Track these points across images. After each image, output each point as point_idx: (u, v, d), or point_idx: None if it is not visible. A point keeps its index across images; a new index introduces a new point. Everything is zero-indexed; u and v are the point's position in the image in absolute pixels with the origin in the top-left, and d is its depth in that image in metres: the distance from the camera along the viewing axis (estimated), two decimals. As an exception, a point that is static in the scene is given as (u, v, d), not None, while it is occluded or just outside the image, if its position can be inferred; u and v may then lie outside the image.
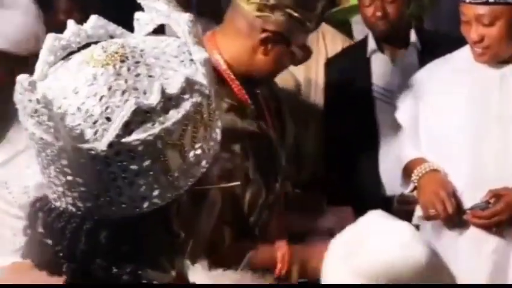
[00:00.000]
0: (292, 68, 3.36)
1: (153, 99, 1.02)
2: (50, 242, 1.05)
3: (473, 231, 2.69)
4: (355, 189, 3.17)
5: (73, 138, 1.01)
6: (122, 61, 1.06)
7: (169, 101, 1.03)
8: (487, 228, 2.66)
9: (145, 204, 1.04)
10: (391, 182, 3.14)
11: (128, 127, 1.01)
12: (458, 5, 2.66)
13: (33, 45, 2.11)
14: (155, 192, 1.04)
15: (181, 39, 1.11)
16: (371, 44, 3.29)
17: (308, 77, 3.43)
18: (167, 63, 1.08)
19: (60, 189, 1.05)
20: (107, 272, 1.03)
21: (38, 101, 1.00)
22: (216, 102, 1.10)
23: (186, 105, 1.04)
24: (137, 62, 1.06)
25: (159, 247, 1.06)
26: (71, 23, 1.13)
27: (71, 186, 1.04)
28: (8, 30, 2.12)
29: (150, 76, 1.05)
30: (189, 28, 1.09)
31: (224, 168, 1.54)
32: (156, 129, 1.02)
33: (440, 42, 3.15)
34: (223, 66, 2.10)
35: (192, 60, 1.09)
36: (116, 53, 1.07)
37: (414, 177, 2.76)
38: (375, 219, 1.44)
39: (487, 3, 2.57)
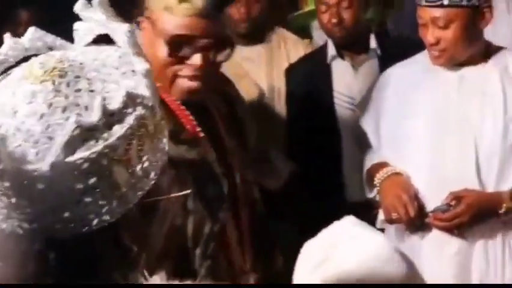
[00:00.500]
0: (255, 76, 3.39)
1: (94, 116, 1.01)
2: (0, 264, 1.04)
3: (435, 234, 2.71)
4: (319, 195, 3.18)
5: (14, 159, 0.99)
6: (61, 76, 1.04)
7: (111, 117, 1.02)
8: (449, 230, 2.68)
9: (94, 222, 1.03)
10: (354, 187, 3.16)
11: (70, 146, 1.00)
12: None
13: None
14: (104, 209, 1.03)
15: (123, 49, 1.09)
16: (331, 50, 3.30)
17: (271, 84, 3.43)
18: (109, 76, 1.06)
19: (5, 211, 1.03)
20: None
21: None
22: (161, 112, 1.09)
23: (130, 120, 1.03)
24: (78, 77, 1.04)
25: (111, 263, 1.05)
26: (7, 37, 1.12)
27: (16, 208, 1.02)
28: None
29: (91, 91, 1.04)
30: (128, 39, 1.08)
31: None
32: (100, 146, 1.01)
33: (402, 46, 3.15)
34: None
35: (133, 71, 1.07)
36: (55, 68, 1.05)
37: (376, 180, 2.78)
38: (349, 226, 1.41)
39: (441, 6, 2.60)
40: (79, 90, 1.03)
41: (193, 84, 1.98)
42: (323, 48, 3.35)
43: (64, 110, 1.02)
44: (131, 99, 1.03)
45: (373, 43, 3.26)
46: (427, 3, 2.62)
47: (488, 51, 2.73)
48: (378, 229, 1.81)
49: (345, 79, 3.28)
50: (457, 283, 2.68)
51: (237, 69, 3.05)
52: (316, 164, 3.24)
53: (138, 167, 1.05)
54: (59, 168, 0.99)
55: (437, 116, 2.71)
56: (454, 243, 2.69)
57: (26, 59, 1.10)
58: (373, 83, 2.98)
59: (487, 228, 2.69)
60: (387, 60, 3.12)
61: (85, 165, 1.00)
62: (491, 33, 2.79)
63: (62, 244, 1.02)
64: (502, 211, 2.65)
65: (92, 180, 1.01)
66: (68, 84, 1.03)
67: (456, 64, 2.71)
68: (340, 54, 3.30)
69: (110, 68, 1.07)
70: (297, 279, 1.40)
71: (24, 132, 1.01)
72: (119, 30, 1.09)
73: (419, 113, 2.73)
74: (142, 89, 1.05)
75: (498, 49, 2.76)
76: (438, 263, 2.65)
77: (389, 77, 2.88)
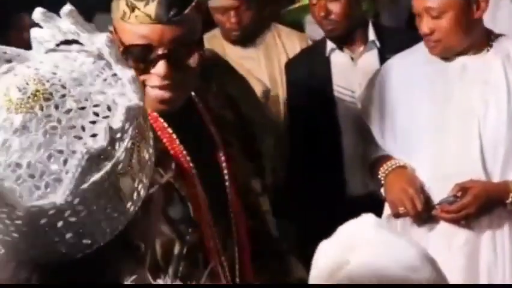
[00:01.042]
0: (257, 73, 3.37)
1: (101, 140, 0.96)
2: None
3: (442, 226, 2.69)
4: (320, 189, 3.16)
5: (21, 197, 0.93)
6: (47, 99, 0.97)
7: (114, 134, 0.98)
8: (456, 222, 2.66)
9: (107, 237, 1.01)
10: (356, 181, 3.14)
11: (83, 175, 0.95)
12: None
13: None
14: (115, 222, 1.00)
15: (91, 52, 1.04)
16: (330, 43, 3.27)
17: (274, 78, 3.43)
18: (93, 87, 1.01)
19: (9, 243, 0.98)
20: None
21: None
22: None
23: (130, 132, 0.99)
24: (63, 96, 0.98)
25: (123, 266, 1.03)
26: None
27: (24, 241, 0.98)
28: None
29: (81, 108, 0.98)
30: (109, 49, 1.02)
31: None
32: (108, 165, 0.96)
33: (400, 38, 3.13)
34: None
35: (114, 75, 1.03)
36: (38, 91, 0.98)
37: (381, 174, 2.75)
38: (368, 227, 1.34)
39: None
40: (69, 111, 0.97)
41: (162, 94, 1.88)
42: (322, 41, 3.32)
43: (61, 135, 0.96)
44: (130, 113, 0.99)
45: (371, 35, 3.23)
46: None
47: (489, 40, 2.71)
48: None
49: (344, 72, 3.26)
50: (466, 275, 2.66)
51: (239, 69, 3.02)
52: (317, 160, 3.21)
53: (140, 175, 1.02)
54: (73, 197, 0.95)
55: (440, 107, 2.68)
56: (461, 234, 2.67)
57: None
58: (374, 75, 2.94)
59: (494, 218, 2.68)
60: (386, 52, 3.10)
61: (96, 187, 0.96)
62: (491, 21, 2.77)
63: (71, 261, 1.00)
64: (509, 201, 2.64)
65: (103, 200, 0.97)
66: (56, 107, 0.97)
67: (457, 53, 2.68)
68: (339, 47, 3.26)
69: (90, 77, 1.02)
70: (313, 280, 1.34)
71: (25, 167, 0.95)
72: (96, 40, 1.04)
73: (421, 104, 2.71)
74: (131, 95, 1.01)
75: (499, 37, 2.74)
76: (447, 255, 2.62)
77: (390, 69, 2.85)
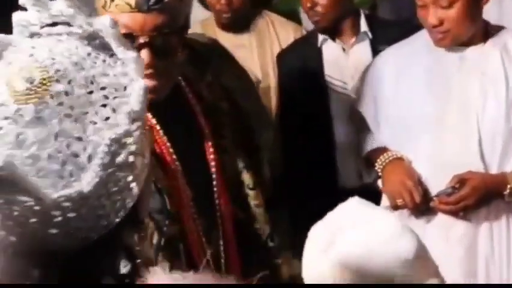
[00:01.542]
0: (249, 63, 3.35)
1: (124, 124, 0.95)
2: None
3: (440, 218, 2.68)
4: (312, 182, 3.15)
5: (45, 189, 0.92)
6: (56, 87, 0.96)
7: (135, 116, 0.97)
8: (454, 213, 2.65)
9: (120, 216, 1.00)
10: (348, 173, 3.14)
11: (110, 160, 0.94)
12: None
13: None
14: (128, 200, 1.00)
15: (81, 34, 1.02)
16: (320, 35, 3.26)
17: (266, 69, 3.42)
18: (94, 70, 0.99)
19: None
20: None
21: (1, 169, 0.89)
22: None
23: (144, 112, 1.00)
24: (70, 82, 0.97)
25: (133, 242, 1.03)
26: None
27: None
28: None
29: (90, 93, 0.97)
30: (113, 31, 1.01)
31: None
32: (129, 148, 0.96)
33: (394, 30, 3.12)
34: None
35: (111, 55, 1.01)
36: (44, 79, 0.96)
37: (377, 166, 2.74)
38: (354, 207, 1.38)
39: None
40: (79, 97, 0.96)
41: (150, 83, 1.80)
42: (314, 32, 3.31)
43: (76, 122, 0.95)
44: (146, 94, 0.99)
45: (364, 26, 3.22)
46: None
47: (486, 31, 2.70)
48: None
49: (335, 63, 3.25)
50: (464, 267, 2.65)
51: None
52: (309, 150, 3.20)
53: (146, 152, 1.02)
54: (98, 183, 0.94)
55: (438, 98, 2.67)
56: (459, 225, 2.67)
57: None
58: (369, 65, 2.93)
59: (491, 210, 2.67)
60: (378, 43, 3.10)
61: (117, 170, 0.96)
62: (497, 13, 2.75)
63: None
64: (506, 192, 2.63)
65: (122, 181, 0.97)
66: (66, 94, 0.95)
67: (456, 44, 2.66)
68: (331, 37, 3.25)
69: (89, 60, 1.00)
70: (305, 263, 1.38)
71: (44, 159, 0.93)
72: (96, 21, 1.02)
73: (419, 95, 2.69)
74: (134, 75, 1.01)
75: (497, 28, 2.73)
76: (445, 247, 2.62)
77: (386, 59, 2.83)
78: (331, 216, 1.38)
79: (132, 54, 1.01)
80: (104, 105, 0.97)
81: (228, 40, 3.36)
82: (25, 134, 0.93)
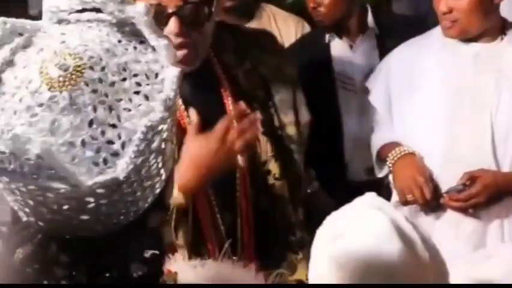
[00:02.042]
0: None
1: (159, 111, 0.96)
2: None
3: (450, 215, 2.68)
4: (320, 176, 3.15)
5: (80, 175, 0.92)
6: (90, 74, 0.96)
7: (169, 103, 0.98)
8: (464, 210, 2.65)
9: (149, 202, 1.02)
10: (356, 167, 3.14)
11: (145, 147, 0.95)
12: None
13: None
14: (156, 186, 1.01)
15: (110, 20, 1.02)
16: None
17: None
18: (126, 57, 0.99)
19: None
20: None
21: (38, 157, 0.90)
22: None
23: (176, 98, 1.00)
24: (103, 69, 0.97)
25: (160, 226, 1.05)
26: None
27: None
28: None
29: (123, 80, 0.97)
30: (146, 18, 1.01)
31: None
32: (162, 134, 0.97)
33: (403, 26, 3.12)
34: None
35: (141, 42, 1.01)
36: (78, 66, 0.96)
37: (389, 161, 2.74)
38: (362, 203, 1.40)
39: None
40: (113, 84, 0.96)
41: (179, 53, 1.88)
42: (322, 28, 3.30)
43: (110, 109, 0.95)
44: (179, 81, 1.00)
45: (371, 23, 3.21)
46: None
47: (503, 28, 2.70)
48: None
49: (342, 58, 3.24)
50: (472, 264, 2.65)
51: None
52: (317, 145, 3.20)
53: (174, 141, 1.03)
54: (133, 170, 0.95)
55: (452, 94, 2.67)
56: (468, 223, 2.67)
57: None
58: (384, 60, 2.93)
59: (502, 208, 2.67)
60: (386, 39, 3.09)
61: (150, 157, 0.97)
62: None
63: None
64: (518, 190, 2.62)
65: (154, 168, 0.98)
66: (100, 81, 0.95)
67: (471, 40, 2.67)
68: (338, 35, 3.25)
69: (121, 47, 1.00)
70: (313, 250, 1.39)
71: (79, 146, 0.93)
72: (129, 8, 1.02)
73: (433, 91, 2.70)
74: (164, 62, 1.01)
75: (514, 25, 2.72)
76: (454, 243, 2.62)
77: (400, 54, 2.83)
78: (344, 209, 1.40)
79: (163, 41, 1.02)
80: (137, 92, 0.97)
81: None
82: (60, 121, 0.93)
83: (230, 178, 2.02)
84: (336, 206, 1.46)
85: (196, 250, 1.92)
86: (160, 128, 0.96)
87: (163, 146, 0.98)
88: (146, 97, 0.98)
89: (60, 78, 0.95)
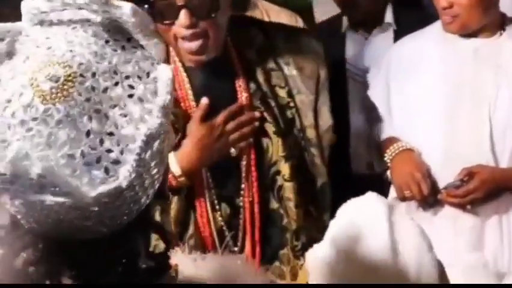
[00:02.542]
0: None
1: (157, 118, 0.95)
2: None
3: (447, 210, 2.67)
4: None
5: (84, 187, 0.91)
6: (81, 82, 0.93)
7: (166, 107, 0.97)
8: (462, 206, 2.64)
9: (151, 194, 1.01)
10: (360, 159, 3.14)
11: (144, 156, 0.95)
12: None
13: None
14: (156, 182, 1.01)
15: (94, 20, 0.99)
16: (345, 20, 3.25)
17: None
18: (115, 58, 0.97)
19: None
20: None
21: (40, 176, 0.89)
22: None
23: (170, 99, 0.99)
24: (94, 75, 0.94)
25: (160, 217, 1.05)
26: None
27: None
28: None
29: (115, 84, 0.95)
30: (134, 19, 0.99)
31: None
32: (161, 136, 0.96)
33: (420, 19, 3.10)
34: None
35: (128, 40, 0.99)
36: (69, 76, 0.93)
37: (387, 156, 2.73)
38: (365, 198, 1.42)
39: None
40: (106, 90, 0.94)
41: (193, 44, 1.95)
42: (338, 19, 3.29)
43: (107, 117, 0.93)
44: (172, 83, 0.99)
45: (389, 17, 3.20)
46: None
47: (502, 23, 2.68)
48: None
49: (357, 51, 3.23)
50: (470, 260, 2.65)
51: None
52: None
53: (173, 136, 1.04)
54: (133, 177, 0.94)
55: (452, 89, 2.65)
56: (466, 218, 2.65)
57: None
58: (383, 54, 2.92)
59: (500, 204, 2.65)
60: (403, 33, 3.07)
61: (150, 160, 0.96)
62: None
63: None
64: (516, 186, 2.61)
65: (155, 168, 0.97)
66: (93, 89, 0.93)
67: (470, 35, 2.66)
68: (354, 26, 3.24)
69: (109, 47, 0.98)
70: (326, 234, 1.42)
71: (79, 158, 0.92)
72: (116, 11, 0.99)
73: (432, 86, 2.68)
74: (154, 58, 1.01)
75: (513, 21, 2.71)
76: (451, 240, 2.62)
77: (400, 49, 2.82)
78: (355, 199, 1.43)
79: (152, 40, 1.00)
80: (130, 96, 0.96)
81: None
82: (56, 134, 0.92)
83: (233, 170, 2.04)
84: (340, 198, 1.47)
85: (195, 242, 1.94)
86: (159, 133, 0.96)
87: (161, 146, 0.98)
88: (141, 99, 0.96)
89: (53, 90, 0.93)
